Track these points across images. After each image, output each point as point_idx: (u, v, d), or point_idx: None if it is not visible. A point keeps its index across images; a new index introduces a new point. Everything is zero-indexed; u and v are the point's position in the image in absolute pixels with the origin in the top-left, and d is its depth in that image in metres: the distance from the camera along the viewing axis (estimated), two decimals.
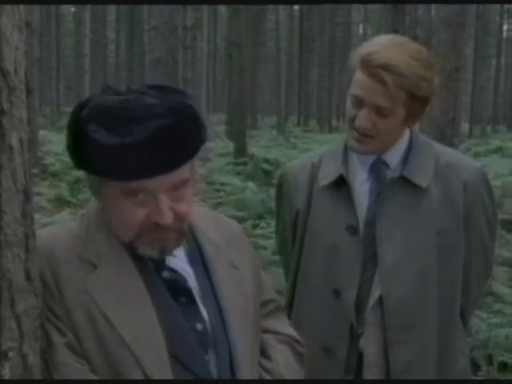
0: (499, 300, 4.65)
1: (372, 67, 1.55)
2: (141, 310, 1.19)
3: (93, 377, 1.15)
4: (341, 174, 1.71)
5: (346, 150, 1.75)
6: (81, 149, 1.18)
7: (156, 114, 1.15)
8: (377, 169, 1.70)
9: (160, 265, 1.26)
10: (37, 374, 1.10)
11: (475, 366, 3.66)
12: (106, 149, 1.13)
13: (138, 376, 1.16)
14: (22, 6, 1.05)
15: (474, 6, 29.23)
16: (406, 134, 1.73)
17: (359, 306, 1.67)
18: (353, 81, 1.61)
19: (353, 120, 1.63)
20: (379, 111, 1.58)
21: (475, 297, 1.80)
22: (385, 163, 1.70)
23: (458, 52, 7.94)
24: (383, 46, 1.59)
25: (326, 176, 1.74)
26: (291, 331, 1.47)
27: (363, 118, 1.60)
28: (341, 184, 1.71)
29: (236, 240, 1.41)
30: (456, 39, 7.84)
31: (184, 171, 1.20)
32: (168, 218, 1.18)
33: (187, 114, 1.18)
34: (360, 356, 1.68)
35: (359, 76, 1.59)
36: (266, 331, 1.41)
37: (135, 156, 1.13)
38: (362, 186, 1.71)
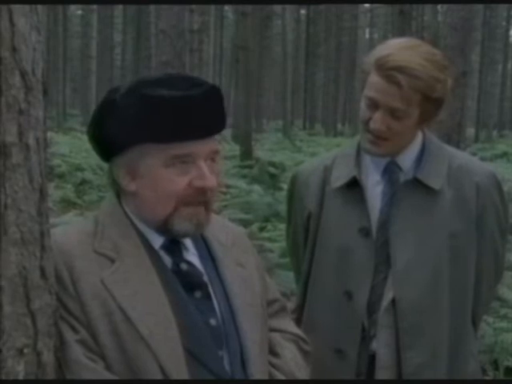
0: (505, 305, 4.63)
1: (387, 69, 1.56)
2: (156, 304, 1.21)
3: (105, 374, 1.16)
4: (354, 175, 1.71)
5: (359, 152, 1.75)
6: (121, 123, 1.21)
7: (201, 82, 1.24)
8: (390, 171, 1.70)
9: (178, 257, 1.29)
10: (51, 372, 1.11)
11: (481, 371, 3.65)
12: (167, 102, 1.18)
13: (154, 370, 1.17)
14: (40, 8, 1.06)
15: (480, 12, 29.21)
16: (419, 136, 1.73)
17: (371, 308, 1.67)
18: (367, 83, 1.62)
19: (367, 122, 1.64)
20: (394, 113, 1.59)
21: (486, 301, 1.80)
22: (398, 166, 1.70)
23: (465, 57, 7.93)
24: (398, 48, 1.59)
25: (339, 178, 1.74)
26: (296, 330, 1.49)
27: (378, 121, 1.60)
28: (354, 186, 1.71)
29: (241, 242, 1.44)
30: (463, 44, 7.84)
31: (216, 142, 1.27)
32: (212, 181, 1.23)
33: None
34: (372, 358, 1.68)
35: (374, 78, 1.60)
36: (272, 330, 1.43)
37: (194, 110, 1.19)
38: (374, 188, 1.71)
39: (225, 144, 17.27)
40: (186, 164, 1.22)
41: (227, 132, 20.15)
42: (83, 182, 10.46)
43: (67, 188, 9.93)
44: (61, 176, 10.93)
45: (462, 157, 1.77)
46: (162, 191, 1.23)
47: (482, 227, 1.71)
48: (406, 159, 1.71)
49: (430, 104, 1.60)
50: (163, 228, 1.26)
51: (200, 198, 1.24)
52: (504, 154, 17.44)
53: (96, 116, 1.27)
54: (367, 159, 1.74)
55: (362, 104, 1.65)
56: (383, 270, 1.67)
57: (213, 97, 1.23)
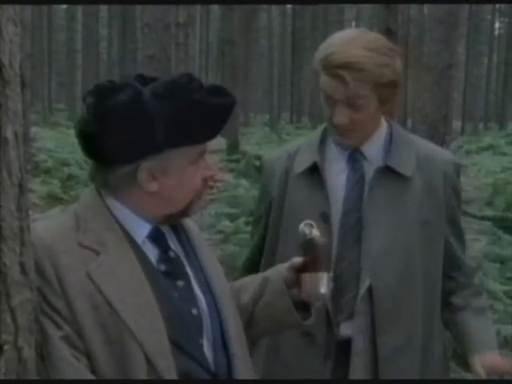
0: (490, 296, 4.67)
1: (331, 68, 1.62)
2: (142, 296, 1.22)
3: (87, 374, 1.17)
4: (315, 161, 1.75)
5: (323, 140, 1.80)
6: (155, 128, 1.21)
7: (223, 88, 1.30)
8: (354, 159, 1.75)
9: (164, 245, 1.32)
10: (32, 368, 1.10)
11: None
12: (215, 109, 1.26)
13: (141, 361, 1.18)
14: None
15: (466, 5, 29.29)
16: (384, 125, 1.78)
17: (336, 294, 1.68)
18: (320, 81, 1.68)
19: (331, 118, 1.69)
20: (352, 105, 1.64)
21: (469, 266, 1.86)
22: (362, 154, 1.75)
23: (451, 50, 7.95)
24: (339, 44, 1.64)
25: (301, 164, 1.79)
26: None
27: (339, 116, 1.66)
28: (315, 172, 1.76)
29: (199, 233, 1.48)
30: (448, 37, 7.86)
31: None
32: (216, 169, 1.33)
33: None
34: (344, 344, 1.70)
35: (323, 77, 1.66)
36: None
37: (227, 115, 1.29)
38: (338, 175, 1.76)
39: None
40: (201, 159, 1.30)
41: None
42: (70, 177, 10.40)
43: (53, 183, 9.87)
44: (47, 171, 10.86)
45: (427, 146, 1.83)
46: (188, 187, 1.29)
47: (450, 213, 1.76)
48: (371, 148, 1.75)
49: (383, 88, 1.65)
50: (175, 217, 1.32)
51: (206, 188, 1.32)
52: (490, 147, 17.53)
53: (109, 123, 1.20)
54: (333, 147, 1.79)
55: (322, 100, 1.71)
56: (347, 257, 1.70)
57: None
